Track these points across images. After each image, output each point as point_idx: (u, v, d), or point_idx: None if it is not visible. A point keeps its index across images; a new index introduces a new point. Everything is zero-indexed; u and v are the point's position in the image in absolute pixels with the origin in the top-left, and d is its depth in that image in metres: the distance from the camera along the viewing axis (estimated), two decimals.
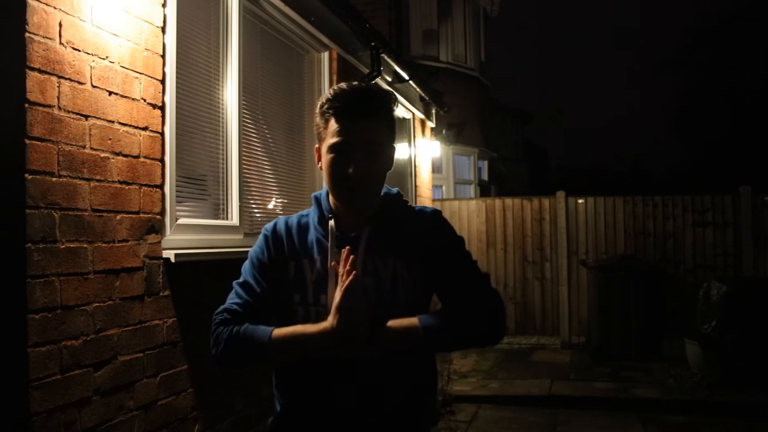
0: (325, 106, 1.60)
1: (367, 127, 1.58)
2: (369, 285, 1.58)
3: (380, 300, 1.57)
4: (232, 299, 1.63)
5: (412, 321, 1.52)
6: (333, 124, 1.59)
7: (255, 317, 1.59)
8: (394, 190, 1.74)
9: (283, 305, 1.63)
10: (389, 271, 1.60)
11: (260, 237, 1.72)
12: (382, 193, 1.69)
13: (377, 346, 1.49)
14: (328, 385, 1.57)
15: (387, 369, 1.55)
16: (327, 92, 1.63)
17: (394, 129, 1.69)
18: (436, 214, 1.72)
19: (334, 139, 1.58)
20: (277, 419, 1.66)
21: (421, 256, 1.62)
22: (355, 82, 1.66)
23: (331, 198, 1.68)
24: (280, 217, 1.78)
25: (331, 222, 1.65)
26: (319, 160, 1.65)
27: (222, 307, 1.62)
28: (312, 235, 1.68)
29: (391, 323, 1.51)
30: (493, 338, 1.62)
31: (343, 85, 1.63)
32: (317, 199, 1.71)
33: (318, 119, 1.64)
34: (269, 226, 1.73)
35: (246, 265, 1.69)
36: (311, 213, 1.72)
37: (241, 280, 1.67)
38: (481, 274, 1.65)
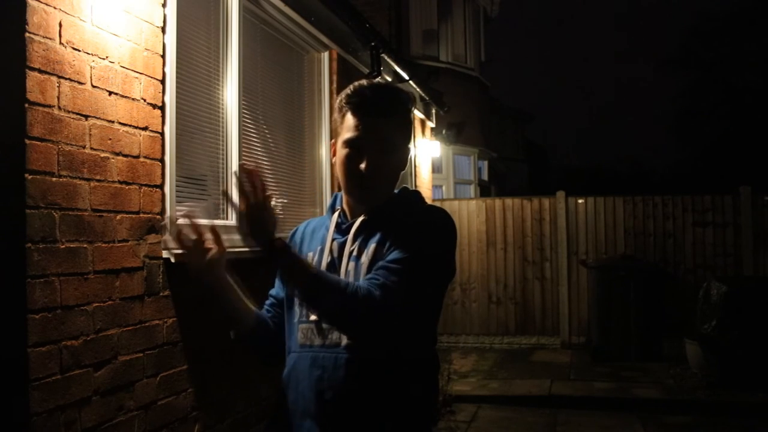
0: (343, 101, 1.61)
1: (383, 124, 1.59)
2: (351, 270, 1.59)
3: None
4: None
5: (313, 268, 1.52)
6: (349, 119, 1.60)
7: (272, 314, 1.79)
8: (415, 190, 1.76)
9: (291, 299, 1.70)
10: (368, 257, 1.58)
11: None
12: (399, 190, 1.71)
13: (274, 258, 1.50)
14: (319, 378, 1.57)
15: (358, 371, 1.53)
16: (347, 88, 1.64)
17: (410, 130, 1.70)
18: (433, 210, 1.67)
19: (349, 134, 1.59)
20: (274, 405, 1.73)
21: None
22: (376, 81, 1.67)
23: (343, 194, 1.71)
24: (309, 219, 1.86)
25: (336, 213, 1.69)
26: (334, 155, 1.66)
27: None
28: (322, 230, 1.72)
29: (299, 257, 1.55)
30: (358, 335, 1.52)
31: (363, 81, 1.65)
32: (335, 196, 1.76)
33: (336, 114, 1.65)
34: (291, 233, 1.83)
35: None
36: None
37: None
38: (408, 281, 1.48)
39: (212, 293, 1.68)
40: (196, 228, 1.62)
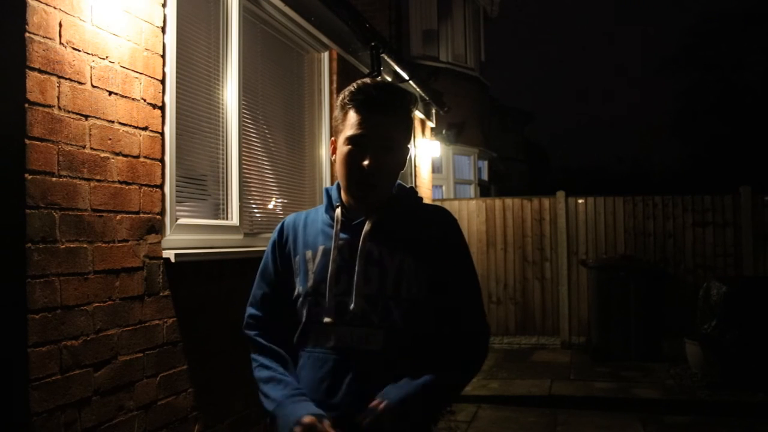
0: (347, 98, 1.61)
1: (386, 122, 1.59)
2: (372, 274, 1.58)
3: (381, 292, 1.58)
4: (249, 310, 1.75)
5: (424, 393, 1.51)
6: (352, 116, 1.60)
7: (271, 324, 1.72)
8: (409, 185, 1.76)
9: (291, 298, 1.67)
10: (395, 266, 1.59)
11: (269, 242, 1.77)
12: (395, 188, 1.70)
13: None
14: (327, 378, 1.58)
15: (386, 370, 1.55)
16: (350, 86, 1.64)
17: (411, 130, 1.70)
18: (448, 217, 1.70)
19: (352, 131, 1.59)
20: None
21: (429, 258, 1.61)
22: (379, 79, 1.68)
23: (342, 192, 1.69)
24: (291, 214, 1.81)
25: (338, 209, 1.67)
26: (334, 152, 1.66)
27: (246, 312, 1.75)
28: (318, 226, 1.70)
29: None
30: (476, 372, 1.67)
31: (367, 80, 1.65)
32: (328, 191, 1.73)
33: (337, 112, 1.65)
34: (276, 230, 1.77)
35: (258, 273, 1.77)
36: (321, 206, 1.75)
37: (254, 290, 1.76)
38: (477, 293, 1.68)
39: None
40: None
